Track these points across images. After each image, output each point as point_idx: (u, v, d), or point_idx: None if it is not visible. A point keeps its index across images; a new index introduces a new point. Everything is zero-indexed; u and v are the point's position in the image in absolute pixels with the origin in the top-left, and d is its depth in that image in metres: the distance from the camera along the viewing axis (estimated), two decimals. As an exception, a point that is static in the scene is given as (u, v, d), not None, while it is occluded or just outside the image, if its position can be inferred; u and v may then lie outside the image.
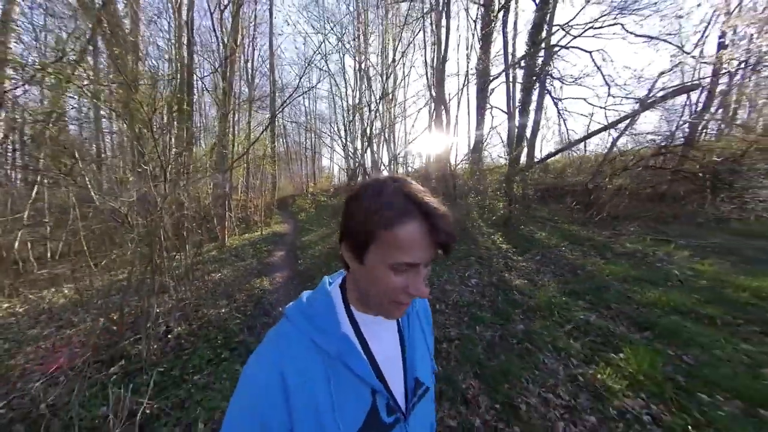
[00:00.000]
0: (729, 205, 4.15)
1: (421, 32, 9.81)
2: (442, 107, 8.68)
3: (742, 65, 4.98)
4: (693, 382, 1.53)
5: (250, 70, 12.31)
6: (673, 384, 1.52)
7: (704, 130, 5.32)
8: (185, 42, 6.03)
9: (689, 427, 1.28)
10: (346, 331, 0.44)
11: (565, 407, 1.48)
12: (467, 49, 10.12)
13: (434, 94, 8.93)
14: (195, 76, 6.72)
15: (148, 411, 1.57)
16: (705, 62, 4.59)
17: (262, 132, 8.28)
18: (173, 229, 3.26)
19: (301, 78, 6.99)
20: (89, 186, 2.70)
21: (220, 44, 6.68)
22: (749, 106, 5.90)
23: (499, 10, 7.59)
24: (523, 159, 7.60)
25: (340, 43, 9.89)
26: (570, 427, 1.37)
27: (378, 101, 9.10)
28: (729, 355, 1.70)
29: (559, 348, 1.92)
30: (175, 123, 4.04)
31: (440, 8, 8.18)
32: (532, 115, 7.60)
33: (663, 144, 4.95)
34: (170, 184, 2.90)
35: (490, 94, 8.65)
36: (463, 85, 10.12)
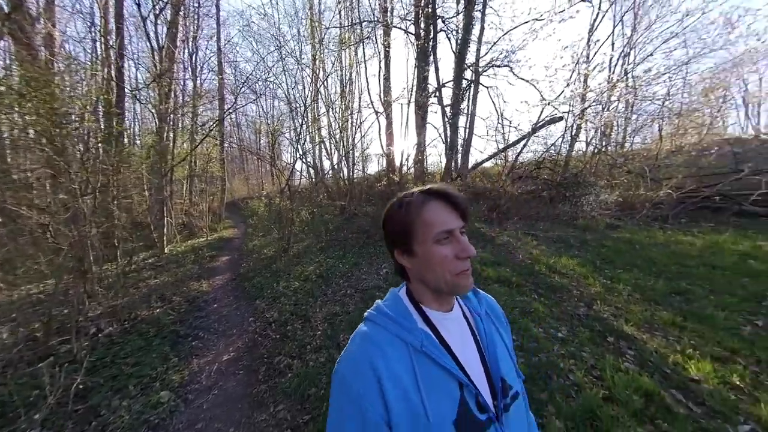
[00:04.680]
0: (573, 207, 5.78)
1: (372, 47, 10.63)
2: (387, 118, 9.64)
3: (593, 104, 6.86)
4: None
5: (194, 64, 11.66)
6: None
7: (570, 151, 7.12)
8: (114, 43, 5.83)
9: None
10: (423, 327, 0.46)
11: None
12: (406, 65, 11.21)
13: (382, 107, 9.83)
14: (124, 74, 6.45)
15: (81, 386, 1.96)
16: (562, 103, 6.26)
17: (206, 136, 8.16)
18: (103, 238, 3.42)
19: (243, 83, 7.17)
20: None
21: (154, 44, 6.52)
22: (602, 133, 8.03)
23: (428, 41, 8.78)
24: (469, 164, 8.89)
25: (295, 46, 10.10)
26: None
27: (330, 104, 9.60)
28: (511, 303, 2.75)
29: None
30: (102, 130, 4.07)
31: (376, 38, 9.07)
32: (465, 128, 8.98)
33: (538, 160, 6.55)
34: (97, 196, 3.11)
35: (427, 109, 9.89)
36: (408, 101, 11.24)
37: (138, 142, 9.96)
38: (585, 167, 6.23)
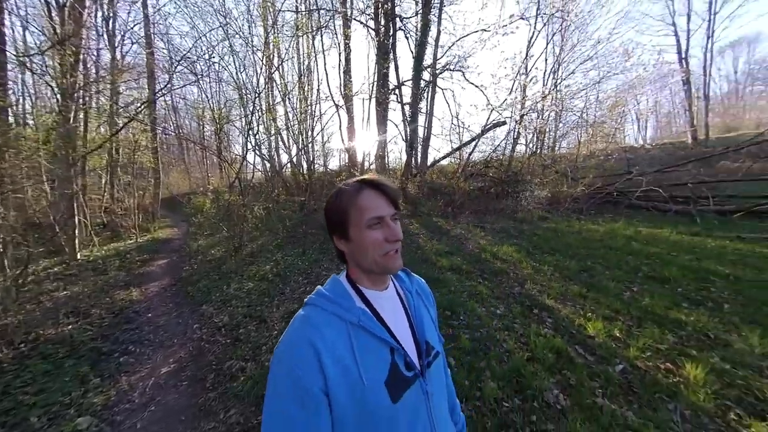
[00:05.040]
0: (514, 202, 6.61)
1: (330, 36, 10.23)
2: (348, 112, 9.49)
3: (529, 111, 7.85)
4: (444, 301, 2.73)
5: (111, 31, 9.66)
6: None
7: (512, 152, 8.07)
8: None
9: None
10: (360, 305, 0.52)
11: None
12: (367, 60, 11.18)
13: (342, 100, 9.62)
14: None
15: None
16: (505, 109, 7.03)
17: (130, 119, 6.84)
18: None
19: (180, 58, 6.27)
20: None
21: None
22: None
23: (387, 37, 8.87)
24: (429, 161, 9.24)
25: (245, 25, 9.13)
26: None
27: (287, 93, 8.99)
28: (461, 287, 3.06)
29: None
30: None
31: (335, 26, 8.81)
32: (424, 127, 9.36)
33: (486, 159, 7.27)
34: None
35: (388, 106, 10.05)
36: (369, 97, 11.21)
37: (31, 122, 7.90)
38: (523, 167, 7.17)
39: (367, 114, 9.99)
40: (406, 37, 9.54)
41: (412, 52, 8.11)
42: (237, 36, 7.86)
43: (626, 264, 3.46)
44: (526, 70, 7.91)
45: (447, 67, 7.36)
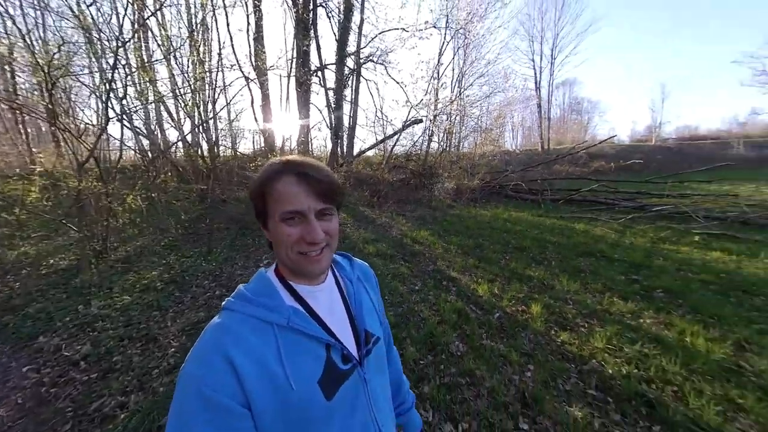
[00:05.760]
0: (429, 192, 7.57)
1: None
2: (263, 89, 8.27)
3: (440, 113, 9.00)
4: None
5: None
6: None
7: (428, 148, 9.11)
8: None
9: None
10: (291, 303, 0.46)
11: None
12: (284, 32, 10.02)
13: (254, 72, 8.23)
14: None
15: None
16: (421, 108, 7.82)
17: None
18: None
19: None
20: None
21: None
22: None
23: (308, 16, 8.14)
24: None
25: None
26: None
27: (171, 50, 6.89)
28: (387, 270, 3.32)
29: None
30: None
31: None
32: (349, 116, 9.20)
33: (407, 153, 7.97)
34: None
35: (310, 89, 9.36)
36: (288, 75, 10.06)
37: None
38: (436, 162, 8.26)
39: (286, 94, 9.02)
40: (329, 17, 9.00)
41: (335, 34, 7.75)
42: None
43: (502, 239, 4.61)
44: (438, 75, 9.02)
45: (370, 58, 7.45)
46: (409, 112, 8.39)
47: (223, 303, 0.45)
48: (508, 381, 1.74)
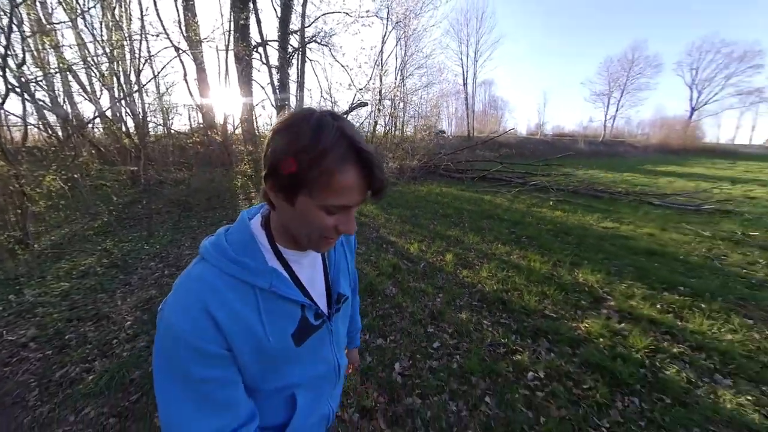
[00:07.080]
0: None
1: None
2: (197, 62, 7.06)
3: (384, 99, 9.37)
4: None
5: None
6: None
7: (374, 130, 9.49)
8: None
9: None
10: (275, 265, 0.44)
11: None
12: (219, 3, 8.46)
13: (185, 43, 6.83)
14: None
15: None
16: (365, 92, 8.05)
17: None
18: None
19: None
20: None
21: None
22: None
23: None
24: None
25: None
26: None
27: (78, 11, 5.12)
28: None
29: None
30: None
31: None
32: (296, 97, 8.66)
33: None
34: None
35: (251, 64, 8.37)
36: (226, 48, 8.62)
37: None
38: (381, 143, 8.76)
39: (225, 69, 7.91)
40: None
41: (275, 9, 7.04)
42: None
43: (433, 209, 5.57)
44: (381, 63, 9.25)
45: (314, 38, 7.14)
46: (355, 95, 8.51)
47: (201, 249, 0.44)
48: (424, 306, 2.49)
